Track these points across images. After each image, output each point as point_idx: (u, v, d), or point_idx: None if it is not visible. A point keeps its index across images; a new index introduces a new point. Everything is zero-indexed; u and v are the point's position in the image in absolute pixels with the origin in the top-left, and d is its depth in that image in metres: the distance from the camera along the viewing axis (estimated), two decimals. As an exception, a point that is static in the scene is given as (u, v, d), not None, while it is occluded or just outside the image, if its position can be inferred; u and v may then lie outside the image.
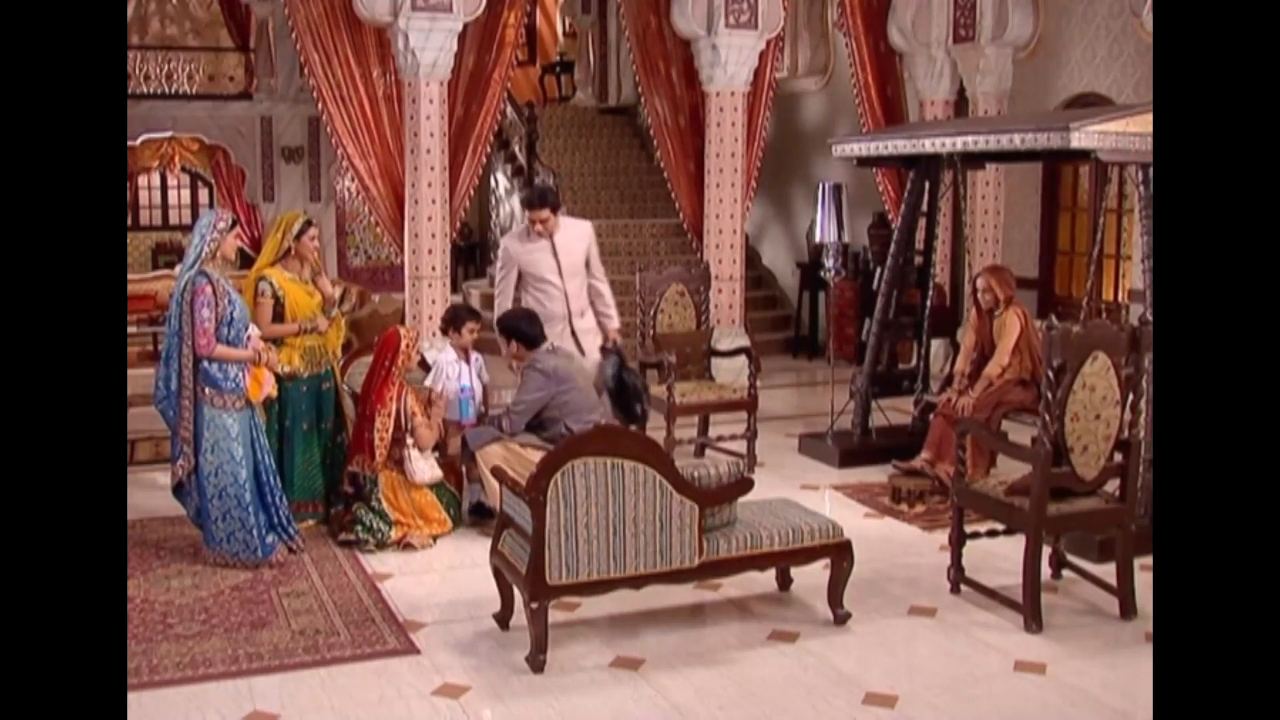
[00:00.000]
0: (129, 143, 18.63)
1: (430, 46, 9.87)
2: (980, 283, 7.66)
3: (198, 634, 5.37)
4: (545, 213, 7.57)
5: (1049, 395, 5.38)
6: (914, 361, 9.28)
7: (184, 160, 22.07)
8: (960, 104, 12.10)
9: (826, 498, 7.76)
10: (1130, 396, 5.61)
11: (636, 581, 5.11)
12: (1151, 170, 6.65)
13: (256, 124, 18.83)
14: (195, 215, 24.44)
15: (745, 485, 5.32)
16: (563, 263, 7.55)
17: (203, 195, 24.96)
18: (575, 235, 7.71)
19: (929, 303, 9.05)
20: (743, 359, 8.90)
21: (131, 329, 14.22)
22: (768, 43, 11.36)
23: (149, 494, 7.63)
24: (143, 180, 23.75)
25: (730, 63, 11.10)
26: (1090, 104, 10.68)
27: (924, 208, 8.92)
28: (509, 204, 16.69)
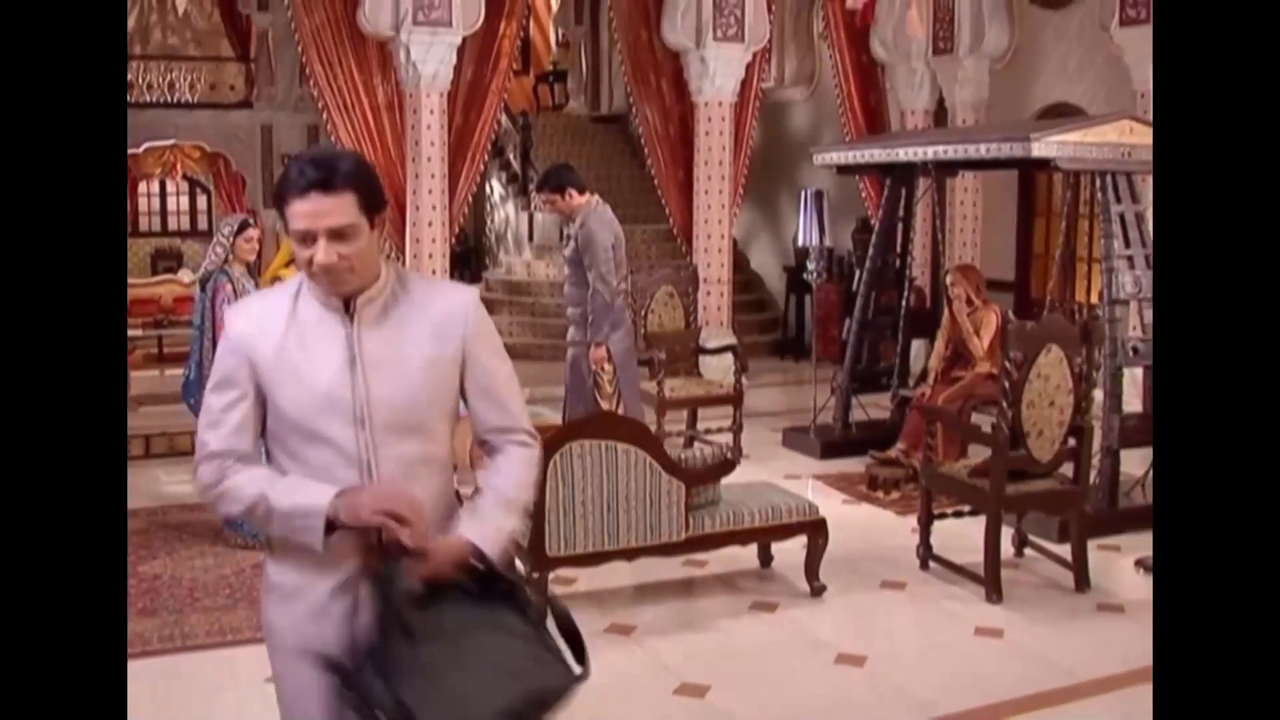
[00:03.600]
0: (132, 150, 19.05)
1: (431, 59, 10.33)
2: (949, 279, 8.18)
3: (223, 606, 5.82)
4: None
5: (1007, 384, 5.87)
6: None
7: (186, 168, 22.52)
8: (940, 113, 12.57)
9: (808, 486, 8.22)
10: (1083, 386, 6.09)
11: (629, 554, 5.58)
12: (1110, 177, 7.15)
13: (257, 132, 19.23)
14: (194, 222, 25.08)
15: (728, 466, 5.81)
16: (371, 389, 2.65)
17: (200, 202, 25.50)
18: (430, 319, 2.73)
19: (907, 303, 9.53)
20: (729, 357, 9.37)
21: (137, 332, 14.66)
22: (754, 55, 11.83)
23: (166, 485, 8.09)
24: (142, 187, 24.24)
25: (718, 74, 11.57)
26: (1064, 114, 11.15)
27: (901, 213, 9.41)
28: (504, 210, 17.17)
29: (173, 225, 25.36)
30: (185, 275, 18.40)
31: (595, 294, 7.35)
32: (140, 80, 19.15)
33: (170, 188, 24.76)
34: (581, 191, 7.58)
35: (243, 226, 6.68)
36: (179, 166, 22.37)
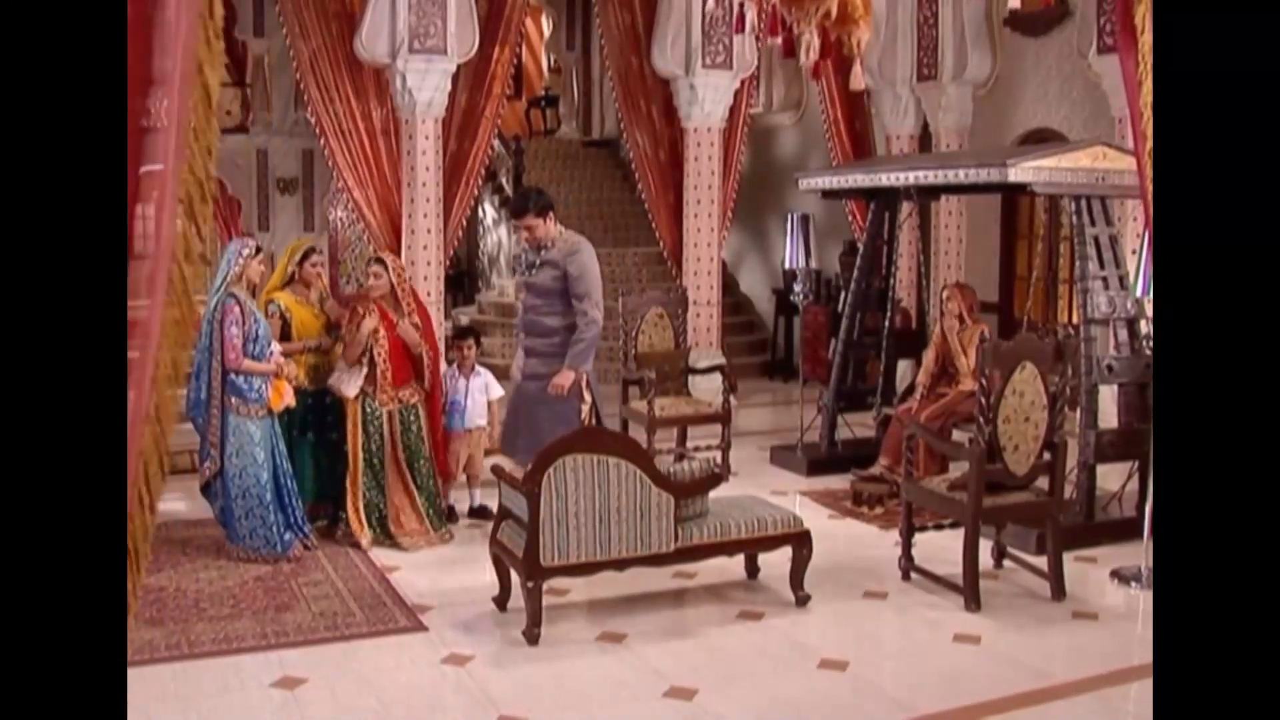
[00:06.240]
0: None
1: (426, 86, 10.56)
2: (945, 294, 8.44)
3: (228, 615, 6.02)
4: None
5: (983, 400, 6.10)
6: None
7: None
8: (925, 138, 12.85)
9: (795, 502, 8.43)
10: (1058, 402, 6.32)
11: (619, 564, 5.78)
12: (1084, 201, 7.40)
13: (253, 156, 19.44)
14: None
15: (715, 479, 6.03)
16: None
17: (195, 225, 25.66)
18: None
19: (891, 324, 9.77)
20: (718, 377, 9.60)
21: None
22: (742, 82, 12.11)
23: (168, 501, 8.25)
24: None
25: (707, 101, 11.85)
26: (1044, 139, 11.44)
27: (885, 236, 9.66)
28: (496, 234, 17.40)
29: (167, 249, 25.49)
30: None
31: (591, 323, 7.10)
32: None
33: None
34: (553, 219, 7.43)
35: (257, 251, 6.94)
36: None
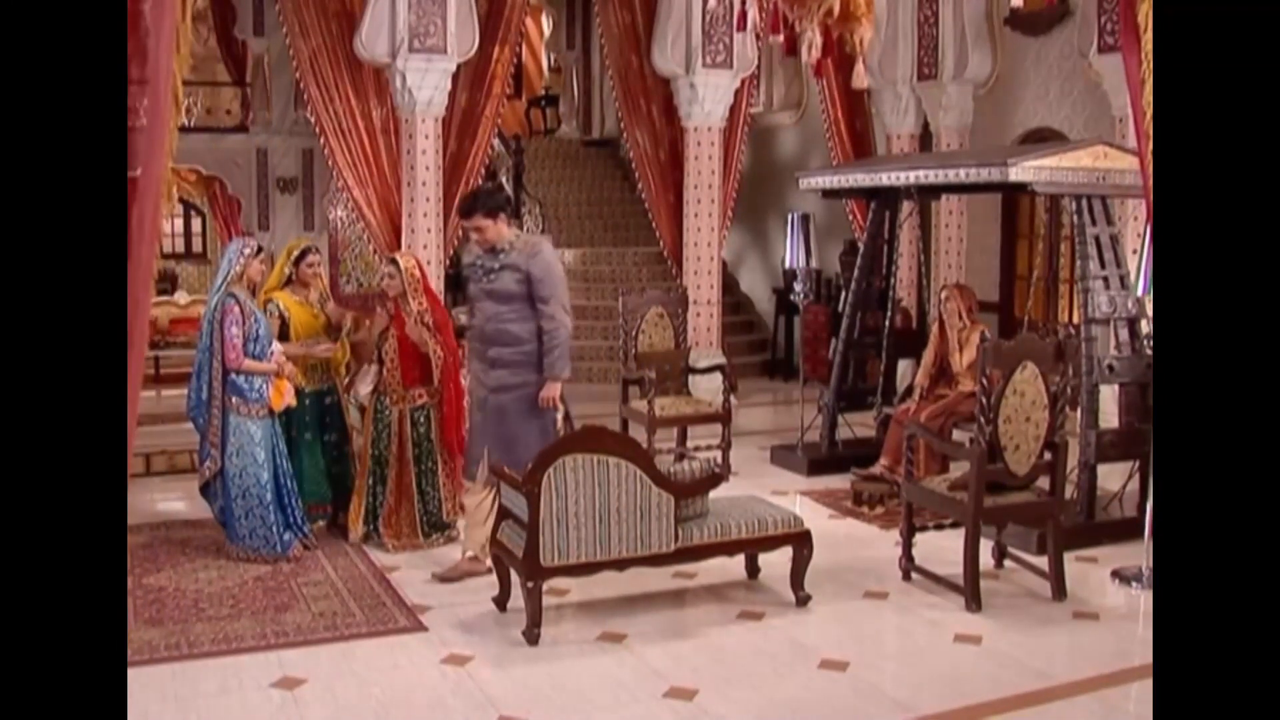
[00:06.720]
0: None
1: (426, 85, 10.57)
2: (944, 294, 8.43)
3: (228, 615, 6.01)
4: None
5: (984, 400, 6.10)
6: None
7: (181, 191, 22.69)
8: (925, 137, 12.85)
9: (795, 501, 8.42)
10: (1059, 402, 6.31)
11: (620, 564, 5.78)
12: (1085, 200, 7.39)
13: (252, 155, 19.43)
14: (189, 245, 25.37)
15: (716, 479, 6.02)
16: None
17: (195, 225, 25.75)
18: None
19: (892, 324, 9.77)
20: (718, 376, 9.60)
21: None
22: (742, 81, 12.12)
23: (167, 502, 8.28)
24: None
25: (707, 100, 11.85)
26: (1045, 138, 11.44)
27: (886, 236, 9.65)
28: (497, 233, 17.41)
29: (168, 248, 25.54)
30: (181, 297, 18.58)
31: (559, 326, 6.46)
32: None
33: (165, 210, 24.96)
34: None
35: (258, 251, 6.93)
36: (175, 190, 22.53)
